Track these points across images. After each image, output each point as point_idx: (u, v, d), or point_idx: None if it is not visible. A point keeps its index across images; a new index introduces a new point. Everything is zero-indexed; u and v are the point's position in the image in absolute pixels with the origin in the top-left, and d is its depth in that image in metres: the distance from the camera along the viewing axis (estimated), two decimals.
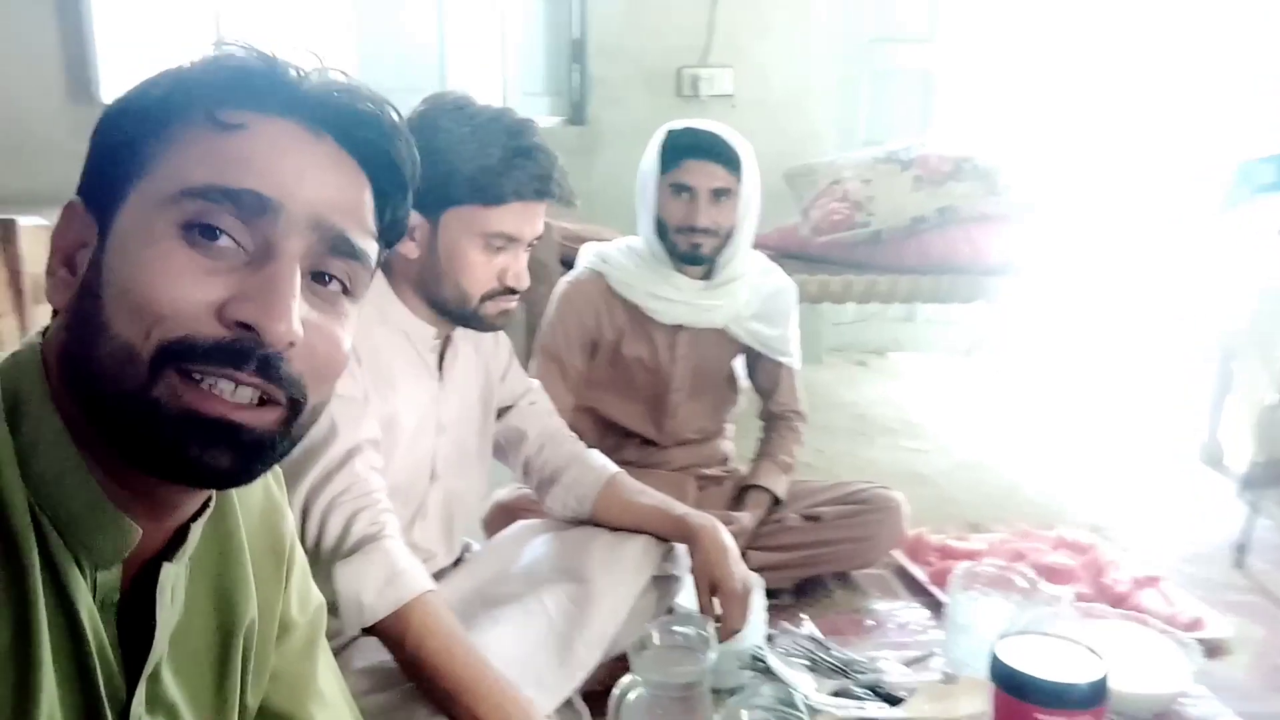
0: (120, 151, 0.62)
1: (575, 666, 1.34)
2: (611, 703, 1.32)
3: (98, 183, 0.62)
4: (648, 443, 2.07)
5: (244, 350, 0.59)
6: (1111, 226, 3.01)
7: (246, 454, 0.61)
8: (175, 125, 0.62)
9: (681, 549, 1.54)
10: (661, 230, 1.89)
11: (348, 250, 0.64)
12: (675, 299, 1.93)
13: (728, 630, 1.39)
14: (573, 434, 1.58)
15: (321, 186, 0.63)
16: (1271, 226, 2.53)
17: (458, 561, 1.52)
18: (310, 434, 0.65)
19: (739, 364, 2.12)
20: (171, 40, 3.12)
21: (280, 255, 0.60)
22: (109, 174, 0.62)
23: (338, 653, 1.07)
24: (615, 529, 1.49)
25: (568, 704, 1.36)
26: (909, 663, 1.61)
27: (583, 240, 2.39)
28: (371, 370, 1.29)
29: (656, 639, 1.35)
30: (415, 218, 1.27)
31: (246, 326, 0.58)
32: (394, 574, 1.15)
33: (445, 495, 1.44)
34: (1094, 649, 1.13)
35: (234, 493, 0.72)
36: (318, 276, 0.63)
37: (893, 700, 1.41)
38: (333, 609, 1.02)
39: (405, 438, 1.34)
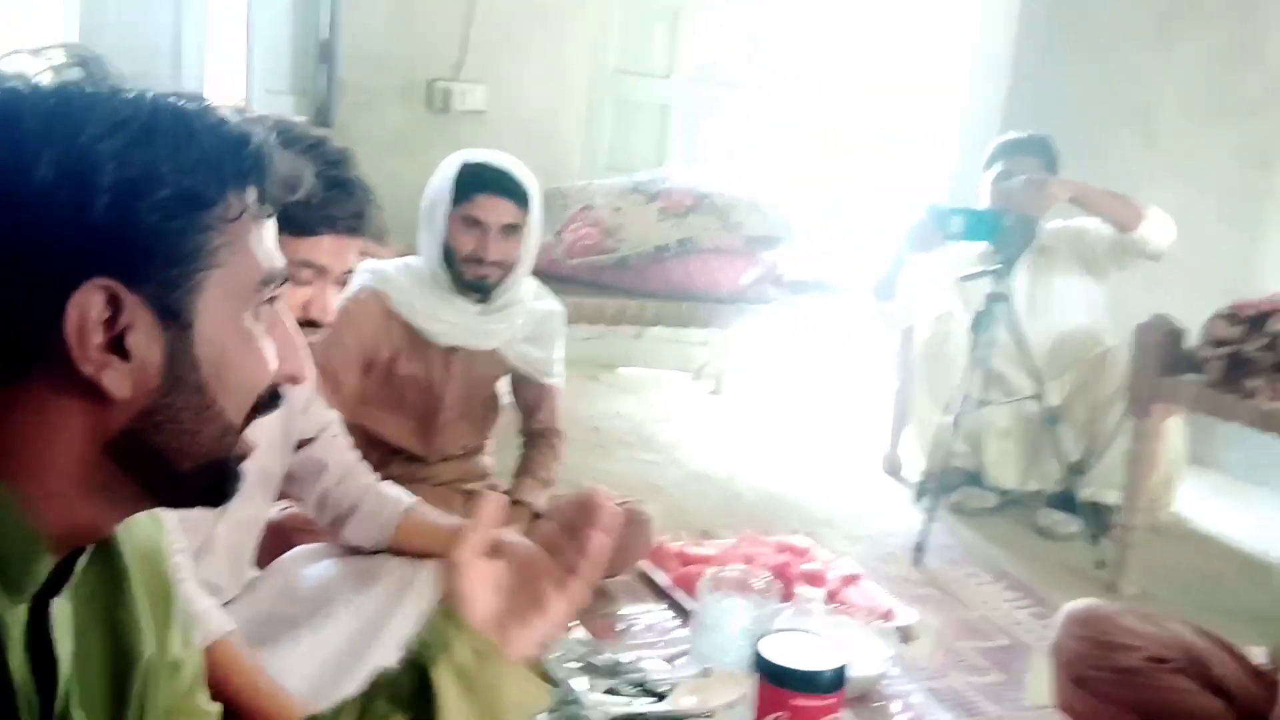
0: (178, 239, 0.61)
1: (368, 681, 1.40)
2: None
3: (148, 267, 0.61)
4: (413, 458, 2.13)
5: (279, 395, 0.70)
6: (831, 260, 3.41)
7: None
8: (221, 208, 0.63)
9: None
10: (448, 257, 1.96)
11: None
12: (455, 322, 2.00)
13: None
14: (366, 465, 1.63)
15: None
16: (951, 271, 2.96)
17: None
18: None
19: (503, 382, 2.23)
20: None
21: (281, 314, 0.72)
22: (168, 260, 0.61)
23: None
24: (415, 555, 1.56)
25: None
26: (668, 660, 1.79)
27: None
28: None
29: None
30: None
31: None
32: (191, 618, 1.15)
33: (233, 526, 1.45)
34: (836, 643, 1.36)
35: (121, 535, 0.74)
36: None
37: (658, 695, 1.58)
38: None
39: None
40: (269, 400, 0.69)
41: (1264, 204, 3.46)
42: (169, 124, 0.61)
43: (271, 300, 0.69)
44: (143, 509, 0.70)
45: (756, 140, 4.26)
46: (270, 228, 0.69)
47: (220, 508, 1.38)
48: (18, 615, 0.63)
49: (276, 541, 1.69)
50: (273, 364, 0.68)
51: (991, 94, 4.17)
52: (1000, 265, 2.67)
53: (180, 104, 0.62)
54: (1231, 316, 2.25)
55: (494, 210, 1.93)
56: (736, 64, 4.18)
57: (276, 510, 1.86)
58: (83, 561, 0.68)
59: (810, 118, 4.49)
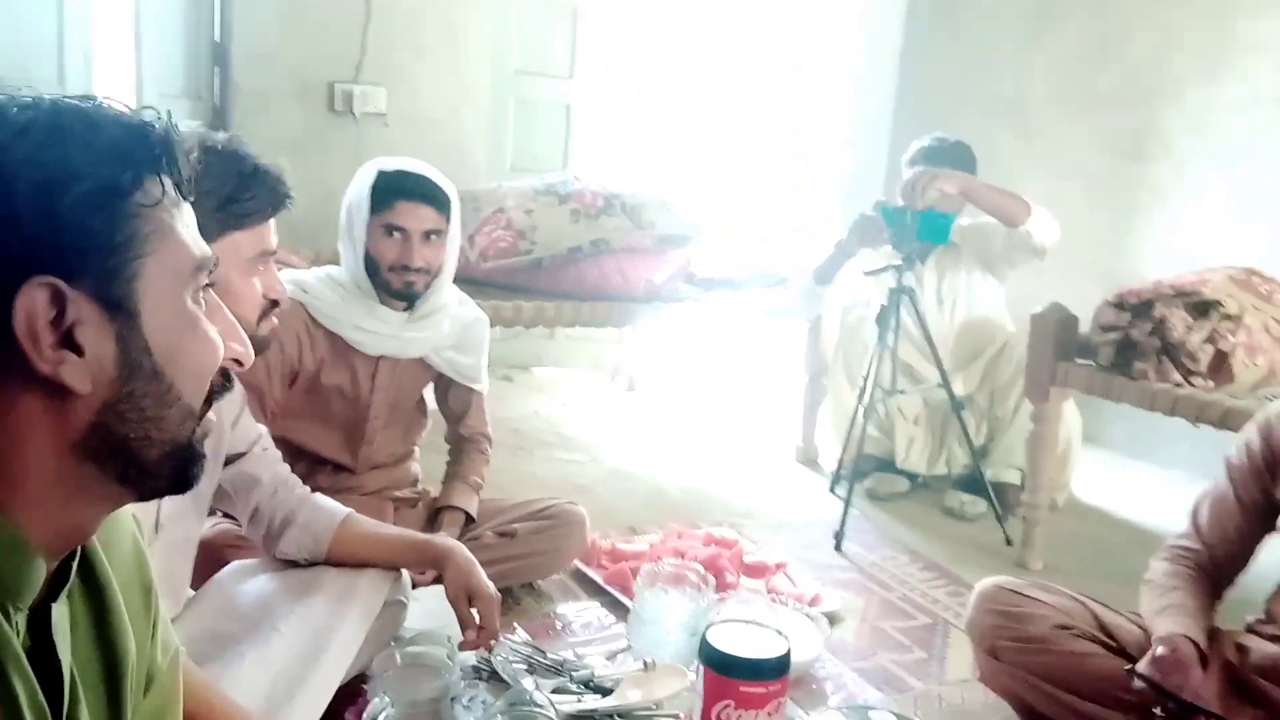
0: (106, 230, 0.63)
1: (319, 692, 1.39)
2: None
3: (83, 261, 0.62)
4: (340, 468, 2.10)
5: (231, 378, 0.77)
6: (746, 259, 3.47)
7: None
8: (140, 195, 0.64)
9: (406, 578, 1.64)
10: (371, 266, 1.94)
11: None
12: (381, 331, 1.99)
13: (490, 634, 1.51)
14: (298, 479, 1.61)
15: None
16: (860, 267, 3.05)
17: None
18: None
19: (428, 389, 2.22)
20: None
21: (215, 300, 0.74)
22: (100, 252, 0.62)
23: None
24: (352, 565, 1.55)
25: None
26: (609, 657, 1.82)
27: None
28: None
29: (399, 659, 1.43)
30: None
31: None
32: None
33: (169, 548, 1.42)
34: (779, 631, 1.40)
35: (100, 543, 0.74)
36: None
37: (604, 691, 1.60)
38: None
39: None
40: (221, 383, 0.73)
41: (1132, 192, 3.67)
42: (72, 121, 0.63)
43: (209, 286, 0.71)
44: (119, 504, 0.71)
45: (659, 139, 4.32)
46: (189, 214, 0.70)
47: (156, 531, 1.37)
48: (18, 624, 0.63)
49: (209, 558, 1.66)
50: (221, 345, 0.71)
51: (880, 91, 4.33)
52: (902, 261, 2.78)
53: (78, 102, 0.65)
54: (1119, 304, 2.39)
55: (415, 217, 1.92)
56: (636, 64, 4.22)
57: (208, 527, 1.82)
58: (73, 564, 0.69)
59: (708, 119, 4.57)
